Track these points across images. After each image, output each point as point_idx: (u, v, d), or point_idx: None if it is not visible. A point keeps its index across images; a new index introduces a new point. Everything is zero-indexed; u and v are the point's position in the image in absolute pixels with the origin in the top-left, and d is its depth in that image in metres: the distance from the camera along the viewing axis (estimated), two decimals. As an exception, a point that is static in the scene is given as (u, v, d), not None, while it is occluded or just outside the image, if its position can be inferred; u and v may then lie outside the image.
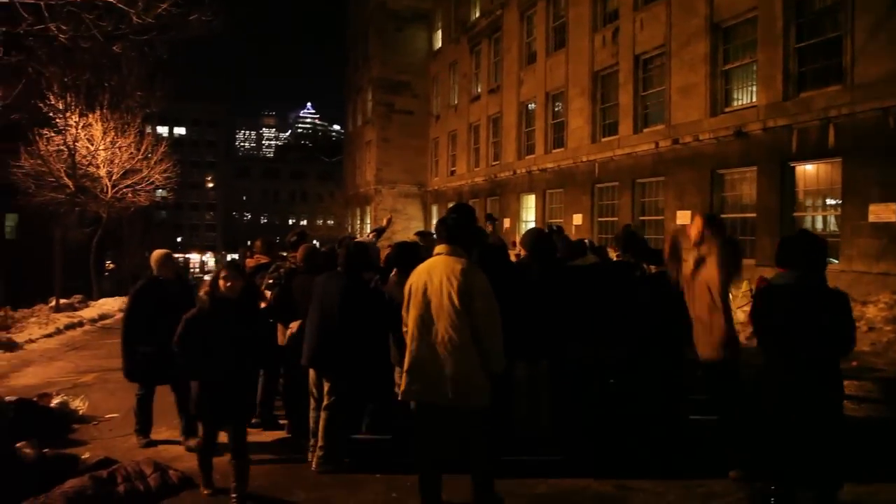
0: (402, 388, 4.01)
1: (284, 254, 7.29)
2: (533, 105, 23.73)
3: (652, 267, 6.10)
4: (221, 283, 4.59)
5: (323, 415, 5.07)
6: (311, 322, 5.18)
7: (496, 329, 3.89)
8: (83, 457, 5.04)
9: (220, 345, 4.46)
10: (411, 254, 5.37)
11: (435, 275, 3.93)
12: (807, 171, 13.00)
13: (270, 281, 6.18)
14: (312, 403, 5.24)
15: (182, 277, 6.51)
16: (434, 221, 32.65)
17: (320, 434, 5.05)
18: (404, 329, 4.12)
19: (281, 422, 6.19)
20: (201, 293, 4.65)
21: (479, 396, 3.87)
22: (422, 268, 4.09)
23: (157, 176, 23.42)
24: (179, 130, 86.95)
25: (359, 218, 40.41)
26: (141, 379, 5.71)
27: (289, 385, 6.04)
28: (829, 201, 12.71)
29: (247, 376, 4.80)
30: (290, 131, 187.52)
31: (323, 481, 4.80)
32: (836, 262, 12.11)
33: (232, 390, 4.52)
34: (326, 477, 4.88)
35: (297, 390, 5.74)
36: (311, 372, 5.24)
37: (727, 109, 14.75)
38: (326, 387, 5.09)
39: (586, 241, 8.04)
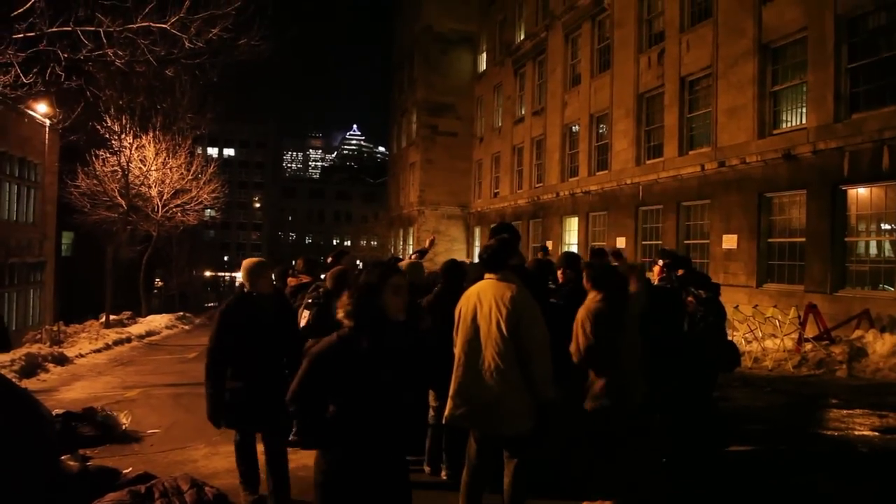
0: (448, 412, 4.01)
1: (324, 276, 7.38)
2: (577, 127, 23.64)
3: (702, 292, 6.01)
4: (390, 299, 2.89)
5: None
6: None
7: (546, 356, 3.86)
8: (124, 471, 5.16)
9: (386, 404, 2.85)
10: (458, 271, 5.42)
11: (485, 300, 3.93)
12: (860, 194, 12.61)
13: (310, 301, 6.19)
14: None
15: (281, 293, 5.60)
16: (477, 243, 32.74)
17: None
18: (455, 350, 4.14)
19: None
20: (342, 314, 2.94)
21: (523, 423, 3.86)
22: (471, 292, 4.08)
23: (205, 196, 24.10)
24: (228, 151, 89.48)
25: (401, 239, 40.69)
26: (232, 424, 4.64)
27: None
28: (884, 226, 12.29)
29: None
30: (335, 153, 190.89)
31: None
32: (892, 289, 11.68)
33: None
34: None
35: None
36: None
37: (775, 132, 14.46)
38: None
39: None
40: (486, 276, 4.08)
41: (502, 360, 3.82)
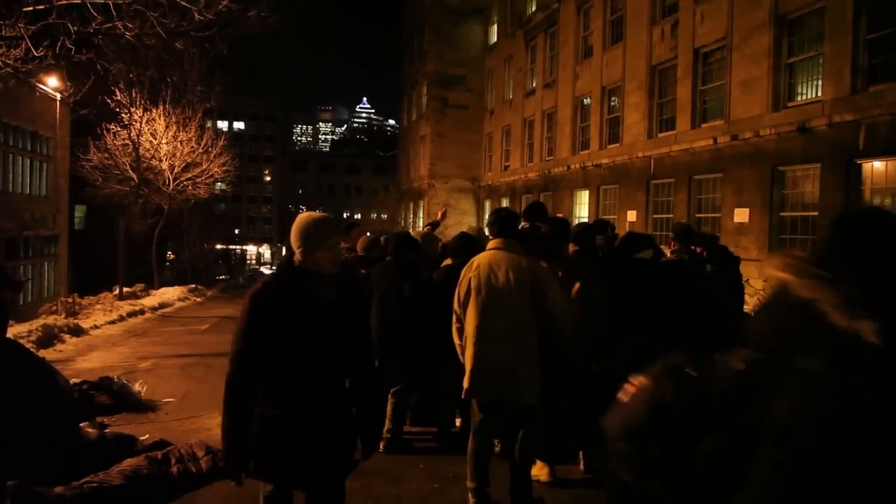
0: (468, 384, 4.01)
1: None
2: (588, 100, 23.45)
3: (707, 266, 6.06)
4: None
5: (391, 401, 5.33)
6: (375, 311, 5.24)
7: (570, 319, 4.03)
8: (140, 438, 5.31)
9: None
10: (470, 244, 5.36)
11: (498, 269, 3.94)
12: (875, 167, 12.49)
13: None
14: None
15: (350, 271, 3.45)
16: (486, 216, 32.69)
17: (388, 419, 5.29)
18: (457, 325, 4.16)
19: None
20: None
21: (536, 391, 3.99)
22: (480, 262, 4.06)
23: (216, 169, 24.19)
24: (238, 125, 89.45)
25: (412, 212, 40.70)
26: (261, 474, 2.85)
27: None
28: (899, 200, 12.18)
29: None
30: (345, 126, 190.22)
31: (366, 470, 4.91)
32: (905, 264, 11.61)
33: None
34: (370, 466, 5.00)
35: None
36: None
37: (790, 104, 14.28)
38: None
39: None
40: (493, 245, 4.10)
41: (524, 329, 3.91)
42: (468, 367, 4.01)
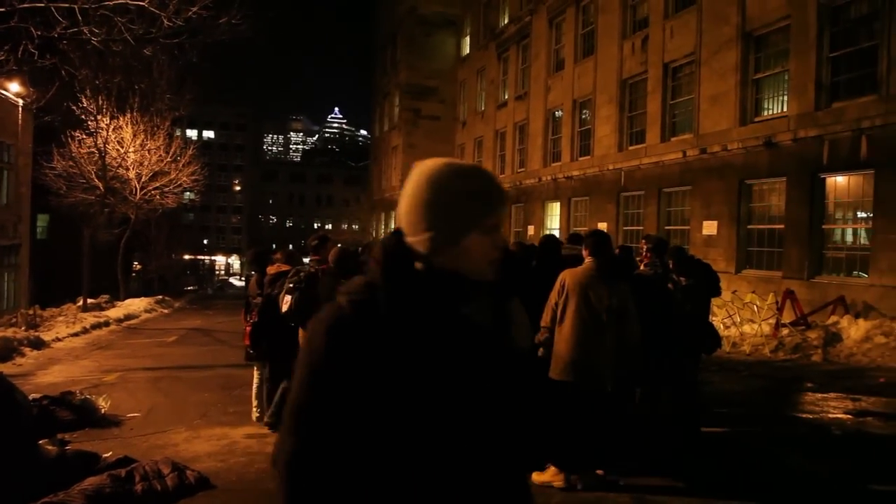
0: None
1: (306, 259, 7.27)
2: (560, 112, 23.66)
3: (682, 279, 6.09)
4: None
5: None
6: None
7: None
8: (103, 455, 5.15)
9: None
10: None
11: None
12: (837, 182, 12.79)
13: (291, 285, 6.09)
14: None
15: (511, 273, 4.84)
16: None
17: None
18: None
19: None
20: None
21: None
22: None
23: (184, 178, 23.84)
24: (208, 134, 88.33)
25: (383, 223, 40.61)
26: None
27: None
28: (860, 214, 12.48)
29: None
30: (317, 136, 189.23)
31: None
32: (866, 276, 11.90)
33: None
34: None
35: None
36: None
37: (757, 119, 14.59)
38: None
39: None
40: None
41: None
42: None
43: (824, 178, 12.87)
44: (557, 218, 23.55)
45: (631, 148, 19.16)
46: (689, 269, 6.33)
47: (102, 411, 6.77)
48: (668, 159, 16.99)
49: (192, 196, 39.11)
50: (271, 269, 6.84)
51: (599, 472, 4.79)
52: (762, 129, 14.12)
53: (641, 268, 6.09)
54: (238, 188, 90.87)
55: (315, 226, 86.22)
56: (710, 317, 6.72)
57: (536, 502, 1.42)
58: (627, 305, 4.68)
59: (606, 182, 20.05)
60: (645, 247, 6.20)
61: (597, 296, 4.61)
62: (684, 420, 5.91)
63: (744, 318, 12.49)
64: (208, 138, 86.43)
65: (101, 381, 8.72)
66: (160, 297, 23.96)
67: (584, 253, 4.82)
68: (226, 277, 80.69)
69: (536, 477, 4.68)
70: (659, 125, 17.73)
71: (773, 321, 12.08)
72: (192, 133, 69.10)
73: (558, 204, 23.46)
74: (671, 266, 6.20)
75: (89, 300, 18.91)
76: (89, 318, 15.74)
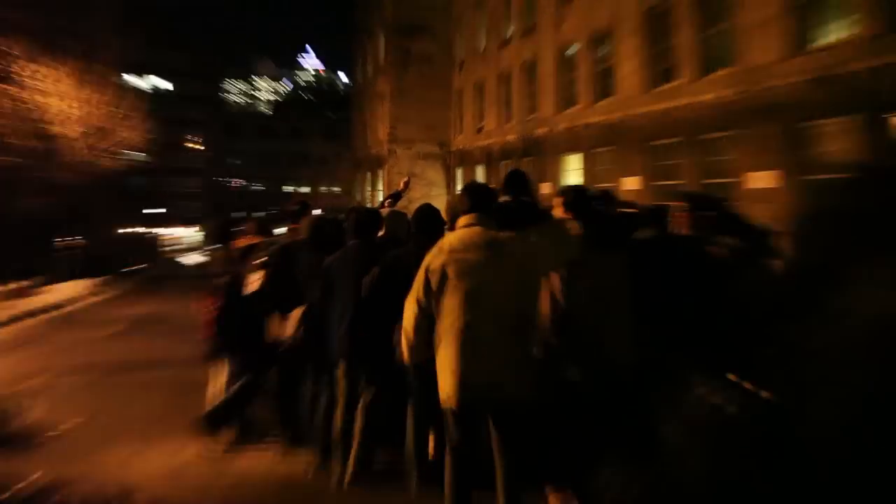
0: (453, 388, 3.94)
1: (281, 230, 7.21)
2: (574, 48, 23.20)
3: (733, 239, 5.68)
4: None
5: (360, 416, 5.03)
6: (334, 307, 5.16)
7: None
8: (32, 478, 4.87)
9: None
10: (434, 220, 5.18)
11: (481, 252, 3.93)
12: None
13: (261, 261, 5.96)
14: (339, 406, 5.17)
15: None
16: (459, 187, 32.42)
17: (356, 440, 5.02)
18: (413, 320, 4.06)
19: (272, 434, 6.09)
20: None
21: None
22: (454, 244, 4.00)
23: (126, 134, 23.39)
24: (161, 83, 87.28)
25: (370, 184, 40.27)
26: None
27: (286, 387, 5.92)
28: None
29: None
30: (286, 80, 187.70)
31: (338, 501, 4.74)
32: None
33: None
34: (340, 496, 4.85)
35: (295, 394, 5.74)
36: (341, 368, 5.17)
37: (814, 47, 14.11)
38: (361, 382, 5.09)
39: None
40: (463, 223, 4.08)
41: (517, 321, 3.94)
42: (450, 369, 3.93)
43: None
44: (576, 173, 23.28)
45: (661, 88, 18.76)
46: (737, 225, 5.94)
47: (24, 424, 6.56)
48: (705, 100, 16.65)
49: (143, 157, 38.62)
50: (240, 243, 6.73)
51: None
52: (821, 59, 13.65)
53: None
54: (200, 147, 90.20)
55: (290, 189, 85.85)
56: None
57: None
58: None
59: (633, 130, 19.69)
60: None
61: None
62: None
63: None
64: (160, 89, 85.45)
65: (23, 387, 8.44)
66: (102, 278, 23.77)
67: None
68: (185, 253, 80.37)
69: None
70: (694, 60, 17.34)
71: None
72: (139, 82, 68.18)
73: (576, 157, 23.17)
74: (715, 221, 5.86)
75: (12, 284, 18.49)
76: (8, 308, 15.39)
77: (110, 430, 6.66)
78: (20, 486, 4.83)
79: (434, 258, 4.01)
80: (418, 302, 4.04)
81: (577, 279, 4.29)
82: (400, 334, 4.24)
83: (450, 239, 4.06)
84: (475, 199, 4.12)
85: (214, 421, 6.01)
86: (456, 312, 3.88)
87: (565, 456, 4.48)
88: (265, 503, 4.99)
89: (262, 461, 5.69)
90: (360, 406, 5.05)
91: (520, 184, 5.32)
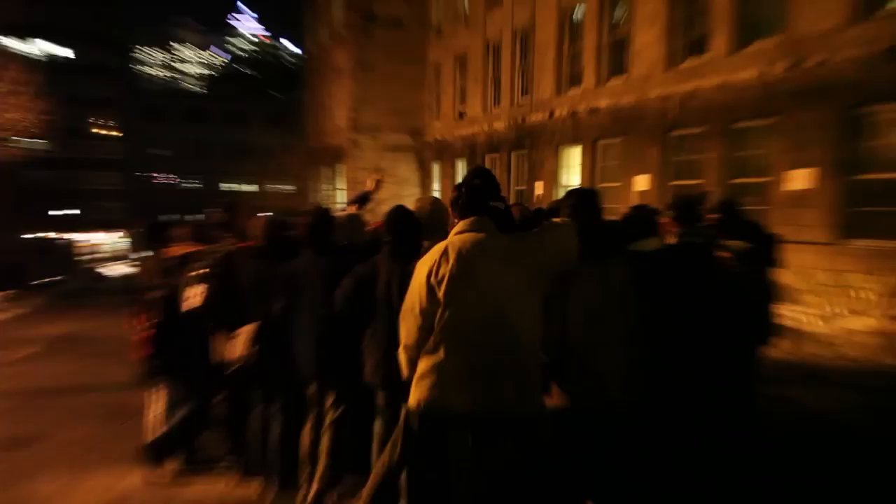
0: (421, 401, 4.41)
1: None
2: (580, 12, 23.34)
3: (739, 243, 6.36)
4: None
5: (327, 435, 5.67)
6: (299, 322, 5.68)
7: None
8: None
9: None
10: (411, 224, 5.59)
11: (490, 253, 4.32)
12: None
13: (201, 272, 6.34)
14: (308, 425, 5.82)
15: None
16: (436, 185, 32.49)
17: (323, 459, 5.65)
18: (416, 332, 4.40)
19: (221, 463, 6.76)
20: None
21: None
22: (448, 252, 4.35)
23: (11, 114, 23.24)
24: (59, 52, 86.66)
25: (329, 181, 40.28)
26: None
27: (237, 411, 6.47)
28: None
29: None
30: (221, 53, 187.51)
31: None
32: None
33: None
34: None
35: (244, 417, 6.29)
36: (311, 387, 5.75)
37: (880, 13, 14.19)
38: (329, 400, 5.66)
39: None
40: (459, 229, 4.43)
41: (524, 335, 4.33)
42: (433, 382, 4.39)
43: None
44: (578, 169, 23.41)
45: (686, 64, 18.84)
46: (745, 228, 6.86)
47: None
48: (741, 79, 16.75)
49: (44, 145, 38.47)
50: (175, 251, 7.12)
51: None
52: (888, 26, 13.73)
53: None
54: (113, 134, 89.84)
55: (224, 186, 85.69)
56: (803, 308, 7.45)
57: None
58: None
59: (649, 116, 19.79)
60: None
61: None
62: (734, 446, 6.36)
63: (850, 308, 12.41)
64: (54, 56, 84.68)
65: None
66: (9, 292, 24.63)
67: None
68: (107, 262, 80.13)
69: None
70: (728, 26, 17.39)
71: (893, 313, 12.05)
72: (27, 48, 67.82)
73: (579, 150, 23.31)
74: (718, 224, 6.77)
75: None
76: None
77: (39, 458, 7.28)
78: None
79: (438, 265, 4.34)
80: (422, 314, 4.36)
81: (566, 293, 4.79)
82: (369, 349, 5.00)
83: (455, 243, 4.38)
84: (478, 197, 4.51)
85: (158, 451, 6.58)
86: (465, 322, 4.27)
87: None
88: None
89: (215, 488, 6.27)
90: (325, 425, 5.66)
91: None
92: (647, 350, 4.93)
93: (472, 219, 4.44)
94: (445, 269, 4.33)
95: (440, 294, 4.33)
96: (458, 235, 4.47)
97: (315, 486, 5.58)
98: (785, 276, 8.09)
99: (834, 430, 7.90)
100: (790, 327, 11.89)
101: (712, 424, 5.85)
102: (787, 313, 11.87)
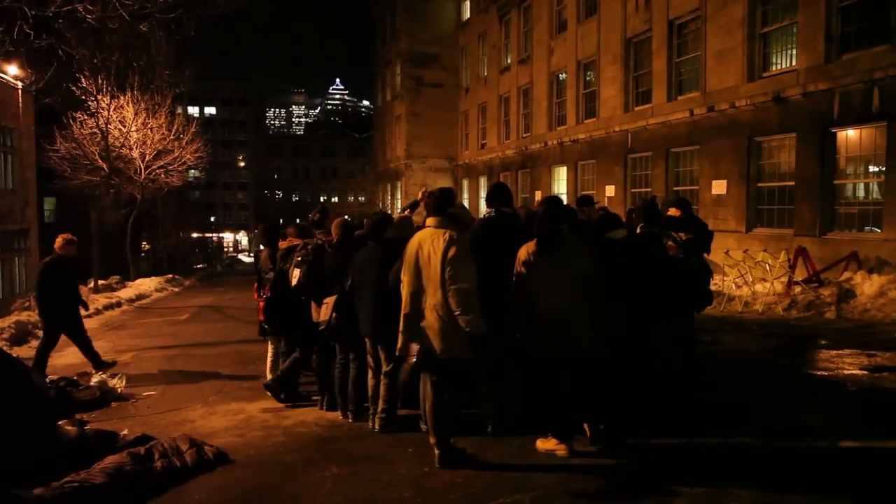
0: (399, 345, 4.62)
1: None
2: (564, 75, 23.36)
3: (681, 234, 6.13)
4: None
5: (383, 381, 5.38)
6: (362, 295, 5.39)
7: (470, 295, 4.31)
8: (122, 433, 5.20)
9: None
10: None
11: (424, 245, 4.48)
12: (849, 136, 12.60)
13: (299, 259, 6.15)
14: (370, 373, 5.54)
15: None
16: (465, 195, 32.69)
17: (381, 399, 5.40)
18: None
19: (314, 398, 6.38)
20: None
21: (465, 353, 4.43)
22: (414, 238, 4.62)
23: (188, 156, 23.74)
24: (210, 110, 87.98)
25: (389, 193, 40.47)
26: None
27: (324, 361, 6.16)
28: (872, 168, 12.32)
29: None
30: (319, 108, 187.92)
31: (355, 455, 4.89)
32: (879, 231, 11.79)
33: None
34: (358, 451, 4.98)
35: (330, 365, 5.97)
36: (368, 343, 5.49)
37: (765, 74, 14.32)
38: (383, 355, 5.34)
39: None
40: (427, 223, 4.56)
41: (442, 296, 4.36)
42: (400, 328, 4.63)
43: (835, 133, 12.68)
44: (565, 182, 23.40)
45: (637, 108, 18.91)
46: (691, 225, 6.43)
47: (119, 391, 6.85)
48: (675, 119, 16.77)
49: (197, 174, 39.15)
50: (282, 244, 6.85)
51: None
52: (771, 84, 13.88)
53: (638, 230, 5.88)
54: (242, 164, 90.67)
55: (321, 199, 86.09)
56: (721, 278, 6.82)
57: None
58: (586, 271, 4.61)
59: (613, 144, 19.84)
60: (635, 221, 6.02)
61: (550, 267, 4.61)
62: (684, 379, 6.00)
63: (756, 277, 12.44)
64: (210, 114, 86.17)
65: (116, 361, 8.78)
66: (170, 276, 24.05)
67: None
68: (234, 254, 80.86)
69: (541, 444, 4.75)
70: (665, 84, 17.46)
71: (785, 279, 12.02)
72: (193, 110, 68.84)
73: (565, 168, 23.29)
74: (677, 218, 6.39)
75: (100, 282, 19.01)
76: (101, 300, 15.85)
77: (185, 394, 6.96)
78: (123, 434, 5.14)
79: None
80: (408, 280, 4.60)
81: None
82: None
83: (419, 235, 4.62)
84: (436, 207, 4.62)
85: (273, 388, 6.39)
86: (406, 288, 4.59)
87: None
88: (320, 436, 5.37)
89: (311, 415, 6.00)
90: (383, 373, 5.34)
91: (504, 196, 5.46)
92: (613, 306, 4.72)
93: (434, 218, 4.54)
94: (406, 250, 4.61)
95: (402, 268, 4.62)
96: (425, 230, 4.59)
97: (378, 416, 5.38)
98: (713, 256, 7.98)
99: (754, 360, 7.79)
100: (718, 292, 11.73)
101: (664, 361, 5.66)
102: (715, 282, 11.69)
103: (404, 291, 4.61)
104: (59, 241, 8.13)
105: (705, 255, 6.55)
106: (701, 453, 4.70)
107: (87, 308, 9.04)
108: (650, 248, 5.47)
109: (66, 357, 9.31)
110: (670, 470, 4.41)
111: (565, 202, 5.86)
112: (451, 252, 4.34)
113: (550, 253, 4.61)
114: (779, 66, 14.18)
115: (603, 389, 4.85)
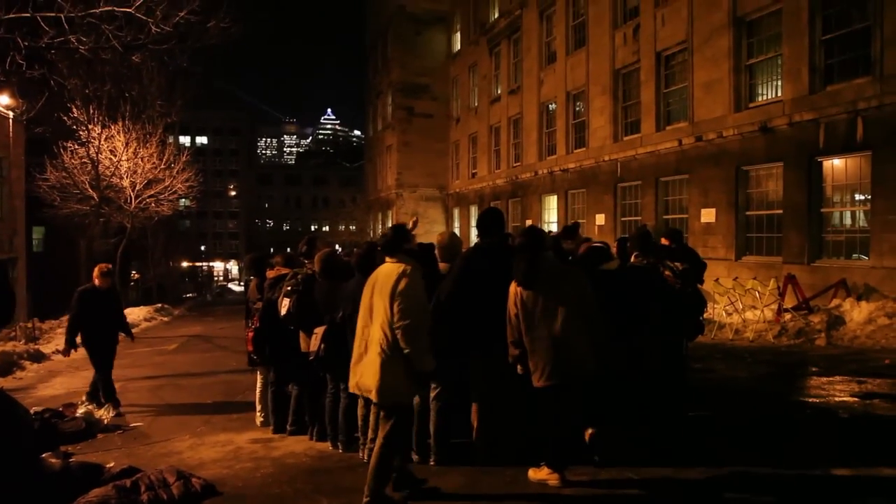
0: (350, 379, 4.55)
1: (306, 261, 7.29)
2: (553, 105, 23.62)
3: (677, 264, 6.12)
4: None
5: (373, 411, 5.14)
6: (352, 326, 5.20)
7: (417, 331, 4.23)
8: (108, 466, 5.13)
9: None
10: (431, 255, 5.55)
11: (379, 278, 4.44)
12: (835, 165, 12.78)
13: (289, 288, 6.09)
14: (361, 402, 5.31)
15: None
16: (457, 224, 32.78)
17: (371, 429, 5.12)
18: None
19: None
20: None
21: (404, 395, 4.38)
22: (374, 274, 4.58)
23: (179, 185, 23.73)
24: (201, 140, 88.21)
25: (381, 222, 40.55)
26: None
27: (314, 390, 6.08)
28: (858, 196, 12.47)
29: None
30: (310, 138, 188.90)
31: (345, 486, 4.83)
32: (867, 258, 11.89)
33: None
34: (348, 483, 4.90)
35: (320, 395, 5.92)
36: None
37: (751, 105, 14.56)
38: None
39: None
40: (386, 259, 4.51)
41: (388, 332, 4.25)
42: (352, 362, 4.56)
43: (821, 162, 12.86)
44: (555, 211, 23.52)
45: (626, 138, 19.12)
46: (685, 254, 6.51)
47: (105, 422, 6.76)
48: (663, 148, 16.96)
49: (188, 202, 39.02)
50: (270, 274, 6.79)
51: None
52: (757, 114, 14.09)
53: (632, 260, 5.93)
54: (233, 193, 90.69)
55: (312, 227, 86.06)
56: (712, 305, 6.85)
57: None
58: (579, 296, 4.58)
59: (603, 173, 20.02)
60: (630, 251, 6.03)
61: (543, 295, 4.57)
62: (674, 402, 5.98)
63: (746, 304, 12.50)
64: (202, 144, 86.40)
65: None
66: (159, 305, 23.91)
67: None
68: (224, 283, 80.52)
69: (532, 474, 4.68)
70: (653, 114, 17.69)
71: (775, 307, 12.09)
72: (185, 139, 68.95)
73: (555, 197, 23.42)
74: (669, 249, 6.42)
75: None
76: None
77: (172, 425, 6.88)
78: (109, 466, 5.07)
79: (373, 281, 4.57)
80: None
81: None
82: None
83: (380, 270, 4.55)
84: (391, 244, 4.54)
85: (263, 418, 6.46)
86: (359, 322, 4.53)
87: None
88: (310, 467, 5.30)
89: (300, 445, 5.93)
90: (373, 403, 5.20)
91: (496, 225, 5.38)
92: (609, 334, 4.68)
93: (394, 256, 4.44)
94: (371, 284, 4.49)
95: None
96: (383, 265, 4.51)
97: (368, 450, 4.98)
98: (704, 284, 8.01)
99: (743, 389, 7.80)
100: (709, 319, 11.73)
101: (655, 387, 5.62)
102: (706, 310, 11.84)
103: (357, 326, 4.54)
104: (95, 271, 8.11)
105: (698, 284, 6.58)
106: (692, 482, 4.66)
107: (131, 338, 8.81)
108: (650, 279, 5.50)
109: (53, 387, 9.20)
110: (663, 499, 4.36)
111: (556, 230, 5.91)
112: (402, 285, 4.24)
113: (532, 287, 4.55)
114: (765, 97, 14.42)
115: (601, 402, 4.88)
